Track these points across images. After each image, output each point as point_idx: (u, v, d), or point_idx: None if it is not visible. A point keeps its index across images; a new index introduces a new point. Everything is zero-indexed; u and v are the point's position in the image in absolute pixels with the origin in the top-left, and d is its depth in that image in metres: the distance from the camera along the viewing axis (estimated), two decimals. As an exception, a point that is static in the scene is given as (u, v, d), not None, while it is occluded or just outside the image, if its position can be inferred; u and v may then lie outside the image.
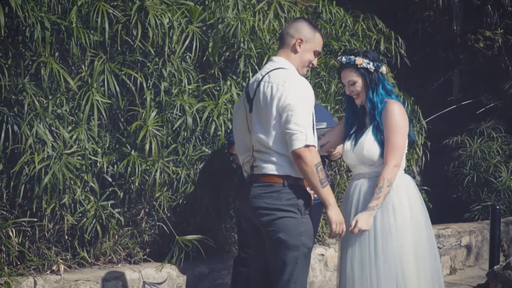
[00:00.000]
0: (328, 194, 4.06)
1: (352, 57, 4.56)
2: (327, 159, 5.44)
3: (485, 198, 10.63)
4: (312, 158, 3.98)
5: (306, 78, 6.92)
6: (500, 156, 10.85)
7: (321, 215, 5.75)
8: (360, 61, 4.52)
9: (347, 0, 10.30)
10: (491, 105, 12.06)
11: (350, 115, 4.73)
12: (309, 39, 4.26)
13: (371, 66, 4.54)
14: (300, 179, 4.14)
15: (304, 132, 3.97)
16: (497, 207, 5.02)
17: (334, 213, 4.08)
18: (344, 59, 4.57)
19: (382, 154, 4.48)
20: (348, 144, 4.62)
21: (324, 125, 5.04)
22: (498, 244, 4.81)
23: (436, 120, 11.26)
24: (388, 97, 4.55)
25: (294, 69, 4.21)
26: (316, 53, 4.31)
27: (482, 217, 10.45)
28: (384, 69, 4.63)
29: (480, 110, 11.95)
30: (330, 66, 7.20)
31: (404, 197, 4.51)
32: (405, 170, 4.71)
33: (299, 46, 4.23)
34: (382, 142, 4.49)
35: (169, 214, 5.83)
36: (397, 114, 4.47)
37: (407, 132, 4.54)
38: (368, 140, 4.50)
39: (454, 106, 11.90)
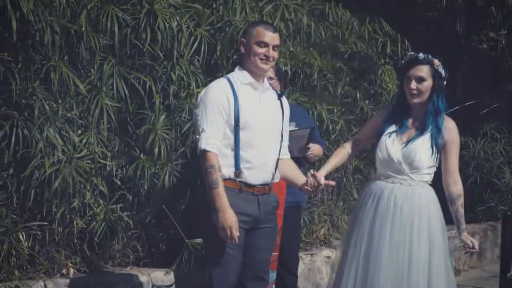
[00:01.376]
0: (216, 197, 4.09)
1: (430, 56, 4.59)
2: (304, 160, 5.46)
3: (489, 199, 10.64)
4: (204, 162, 4.11)
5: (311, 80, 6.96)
6: (503, 157, 10.85)
7: (298, 218, 5.78)
8: (437, 62, 4.57)
9: (351, 0, 10.30)
10: (495, 106, 12.05)
11: (396, 113, 4.72)
12: (248, 36, 4.42)
13: (444, 73, 4.60)
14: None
15: (199, 137, 4.16)
16: (509, 213, 5.01)
17: (218, 218, 4.07)
18: (421, 55, 4.59)
19: (429, 165, 4.60)
20: (390, 140, 4.62)
21: (293, 125, 5.07)
22: (510, 251, 4.79)
23: (440, 120, 11.25)
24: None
25: (235, 74, 4.40)
26: (262, 44, 4.37)
27: (486, 218, 10.46)
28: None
29: (484, 111, 11.94)
30: (336, 68, 7.21)
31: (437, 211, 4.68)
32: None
33: (245, 48, 4.41)
34: (433, 152, 4.58)
35: (178, 218, 5.83)
36: (457, 133, 4.65)
37: None
38: (424, 147, 4.56)
39: (458, 107, 11.90)
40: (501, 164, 10.70)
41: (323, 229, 7.15)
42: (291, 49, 6.77)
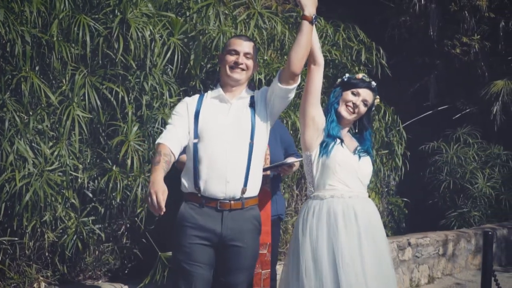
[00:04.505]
0: (152, 172, 4.10)
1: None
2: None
3: (461, 204, 10.69)
4: (155, 151, 4.29)
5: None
6: (476, 162, 10.91)
7: (279, 232, 5.73)
8: (378, 100, 4.78)
9: (323, 4, 10.26)
10: (467, 110, 12.13)
11: (334, 124, 4.62)
12: (223, 50, 4.72)
13: (374, 107, 4.83)
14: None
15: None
16: (489, 232, 4.98)
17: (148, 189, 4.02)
18: (374, 83, 4.66)
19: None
20: (346, 151, 4.51)
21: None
22: (490, 271, 4.77)
23: (412, 125, 11.28)
24: None
25: (211, 90, 4.56)
26: (233, 51, 4.47)
27: (458, 224, 10.50)
28: None
29: (456, 116, 12.02)
30: (311, 76, 7.15)
31: None
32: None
33: (219, 61, 4.59)
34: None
35: (151, 230, 5.75)
36: None
37: None
38: (370, 162, 4.64)
39: (430, 112, 11.95)
40: (474, 170, 10.77)
41: (297, 238, 7.10)
42: (265, 57, 6.71)
